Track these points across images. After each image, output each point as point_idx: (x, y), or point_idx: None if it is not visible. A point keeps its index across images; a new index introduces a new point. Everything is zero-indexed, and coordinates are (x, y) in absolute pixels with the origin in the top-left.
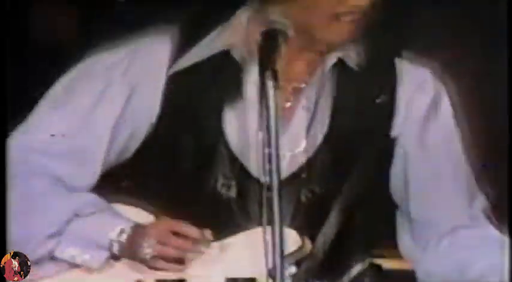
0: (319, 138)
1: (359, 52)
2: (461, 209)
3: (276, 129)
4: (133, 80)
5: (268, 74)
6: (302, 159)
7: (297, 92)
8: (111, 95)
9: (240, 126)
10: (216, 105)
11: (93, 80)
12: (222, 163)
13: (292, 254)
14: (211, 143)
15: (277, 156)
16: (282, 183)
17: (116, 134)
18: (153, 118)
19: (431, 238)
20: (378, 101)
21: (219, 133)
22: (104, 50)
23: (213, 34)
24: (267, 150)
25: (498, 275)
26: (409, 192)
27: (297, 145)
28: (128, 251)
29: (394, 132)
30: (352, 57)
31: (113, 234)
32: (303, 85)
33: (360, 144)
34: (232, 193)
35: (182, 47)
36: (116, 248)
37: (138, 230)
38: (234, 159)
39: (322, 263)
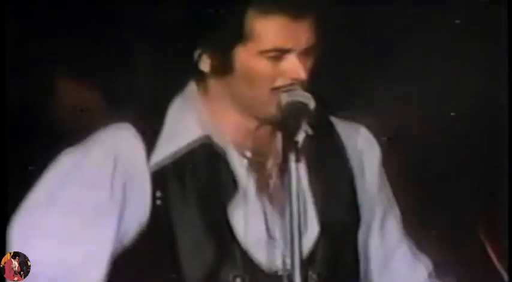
0: (315, 223)
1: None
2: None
3: (298, 209)
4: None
5: (291, 145)
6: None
7: (281, 170)
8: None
9: (244, 218)
10: (216, 200)
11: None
12: (233, 258)
13: None
14: (220, 239)
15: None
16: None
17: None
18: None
19: None
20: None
21: (227, 229)
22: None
23: (171, 119)
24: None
25: None
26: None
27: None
28: None
29: (360, 201)
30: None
31: None
32: (278, 161)
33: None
34: None
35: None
36: None
37: None
38: (243, 253)
39: None
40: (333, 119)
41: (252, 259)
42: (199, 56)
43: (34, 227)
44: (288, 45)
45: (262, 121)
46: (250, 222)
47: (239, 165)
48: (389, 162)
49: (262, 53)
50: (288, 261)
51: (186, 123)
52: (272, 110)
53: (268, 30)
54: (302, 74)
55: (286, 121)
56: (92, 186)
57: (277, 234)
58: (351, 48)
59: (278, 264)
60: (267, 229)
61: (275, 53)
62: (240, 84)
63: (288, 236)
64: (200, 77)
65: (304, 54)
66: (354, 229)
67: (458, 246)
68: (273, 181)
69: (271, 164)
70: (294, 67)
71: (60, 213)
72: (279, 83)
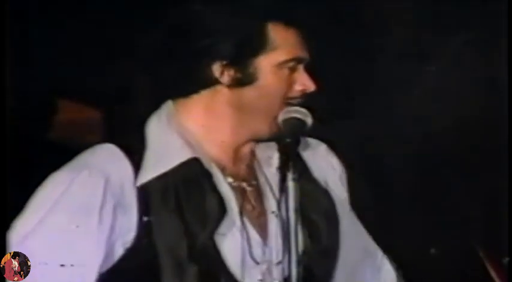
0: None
1: None
2: None
3: (296, 228)
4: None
5: (290, 164)
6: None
7: (258, 192)
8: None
9: (234, 245)
10: (204, 226)
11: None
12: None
13: None
14: (210, 270)
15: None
16: None
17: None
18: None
19: None
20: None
21: (217, 258)
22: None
23: (155, 141)
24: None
25: None
26: None
27: (278, 255)
28: None
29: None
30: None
31: None
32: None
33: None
34: None
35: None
36: None
37: None
38: (227, 273)
39: None
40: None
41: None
42: (222, 67)
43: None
44: (303, 55)
45: (253, 137)
46: (236, 246)
47: (225, 189)
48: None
49: (283, 63)
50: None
51: (172, 144)
52: (275, 127)
53: (289, 41)
54: (312, 86)
55: (283, 139)
56: (82, 211)
57: (259, 258)
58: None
59: None
60: (251, 253)
61: (293, 63)
62: (253, 95)
63: (287, 254)
64: (198, 91)
65: (306, 68)
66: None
67: (457, 264)
68: (252, 205)
69: (250, 188)
70: (305, 79)
71: (48, 238)
72: (290, 94)
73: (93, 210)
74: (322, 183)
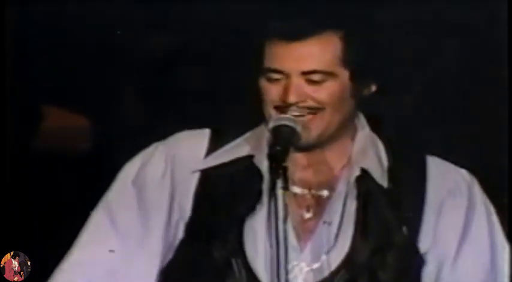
0: (339, 257)
1: (382, 160)
2: None
3: (284, 235)
4: (174, 184)
5: (279, 172)
6: (320, 276)
7: (319, 202)
8: (156, 209)
9: (258, 237)
10: (237, 214)
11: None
12: (239, 277)
13: None
14: (229, 255)
15: (286, 267)
16: None
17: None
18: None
19: None
20: (403, 229)
21: (238, 245)
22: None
23: (245, 135)
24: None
25: None
26: None
27: (315, 260)
28: None
29: (423, 248)
30: (376, 166)
31: None
32: (325, 193)
33: (380, 261)
34: None
35: (216, 146)
36: None
37: None
38: (250, 273)
39: None
40: (431, 161)
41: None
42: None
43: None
44: (277, 67)
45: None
46: (264, 245)
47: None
48: None
49: (263, 72)
50: None
51: (246, 141)
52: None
53: (270, 52)
54: (291, 98)
55: (273, 148)
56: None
57: (291, 261)
58: None
59: None
60: (285, 259)
61: (270, 73)
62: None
63: (275, 265)
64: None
65: (308, 77)
66: (403, 269)
67: None
68: (310, 212)
69: (313, 196)
70: (285, 89)
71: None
72: (276, 104)
73: (157, 187)
74: (432, 217)
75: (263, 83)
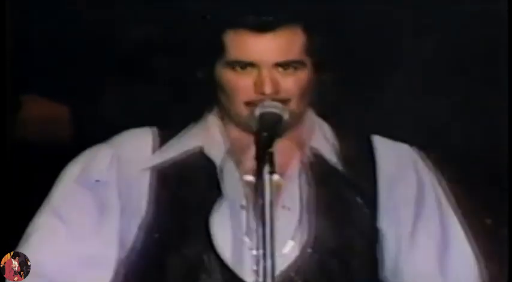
0: (305, 241)
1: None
2: None
3: (271, 220)
4: (122, 183)
5: (266, 157)
6: (289, 260)
7: (275, 188)
8: (109, 205)
9: (226, 230)
10: (200, 208)
11: (87, 194)
12: (212, 269)
13: None
14: (199, 251)
15: (272, 251)
16: None
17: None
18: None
19: None
20: (358, 199)
21: (206, 238)
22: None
23: (188, 128)
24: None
25: None
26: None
27: (282, 245)
28: None
29: (381, 224)
30: (327, 148)
31: None
32: (279, 179)
33: (347, 242)
34: None
35: (161, 142)
36: None
37: None
38: (222, 264)
39: None
40: (376, 140)
41: (230, 270)
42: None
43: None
44: (249, 58)
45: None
46: (231, 234)
47: (230, 180)
48: None
49: (228, 64)
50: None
51: (192, 133)
52: (249, 124)
53: (233, 42)
54: (267, 89)
55: (260, 133)
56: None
57: (255, 246)
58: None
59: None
60: (246, 241)
61: (239, 64)
62: (221, 96)
63: (261, 247)
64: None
65: (279, 68)
66: (363, 248)
67: None
68: (255, 196)
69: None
70: (260, 81)
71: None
72: (249, 97)
73: (103, 186)
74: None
75: (229, 76)
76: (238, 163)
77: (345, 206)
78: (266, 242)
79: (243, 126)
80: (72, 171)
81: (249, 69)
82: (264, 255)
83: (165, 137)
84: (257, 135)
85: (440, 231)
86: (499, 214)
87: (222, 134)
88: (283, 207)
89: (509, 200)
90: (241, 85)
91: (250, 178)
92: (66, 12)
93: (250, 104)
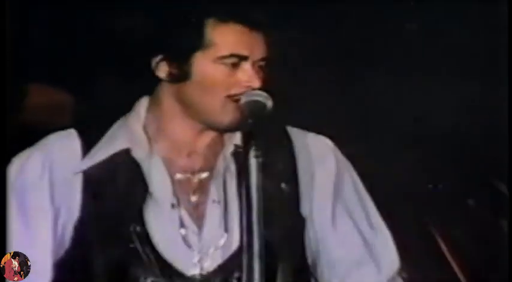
0: (237, 230)
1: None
2: (376, 276)
3: (259, 205)
4: (54, 193)
5: (251, 143)
6: (227, 252)
7: (203, 184)
8: (39, 211)
9: (158, 225)
10: (131, 209)
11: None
12: (150, 264)
13: None
14: (136, 245)
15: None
16: (210, 276)
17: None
18: (75, 225)
19: None
20: (282, 185)
21: (142, 235)
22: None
23: (112, 130)
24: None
25: None
26: (324, 269)
27: (217, 239)
28: None
29: (303, 210)
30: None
31: None
32: (206, 174)
33: (275, 226)
34: None
35: (89, 145)
36: None
37: None
38: (159, 258)
39: None
40: (291, 131)
41: (170, 265)
42: (158, 62)
43: None
44: (245, 52)
45: (209, 127)
46: (167, 234)
47: (159, 180)
48: None
49: (220, 59)
50: (204, 266)
51: (117, 134)
52: (223, 118)
53: (227, 37)
54: (256, 83)
55: (246, 121)
56: (32, 190)
57: (194, 244)
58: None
59: (195, 270)
60: (184, 238)
61: (232, 59)
62: (194, 90)
63: (245, 235)
64: (154, 86)
65: (258, 64)
66: (290, 239)
67: (408, 239)
68: (197, 195)
69: (198, 179)
70: (249, 76)
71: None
72: (234, 91)
73: (42, 190)
74: (304, 172)
75: (216, 70)
76: (169, 162)
77: (268, 196)
78: (254, 231)
79: (212, 121)
80: (9, 177)
81: (239, 63)
82: (252, 244)
83: (90, 138)
84: (243, 122)
85: (359, 215)
86: None
87: (147, 133)
88: (213, 201)
89: (510, 198)
90: (230, 79)
91: (180, 176)
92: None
93: (231, 97)
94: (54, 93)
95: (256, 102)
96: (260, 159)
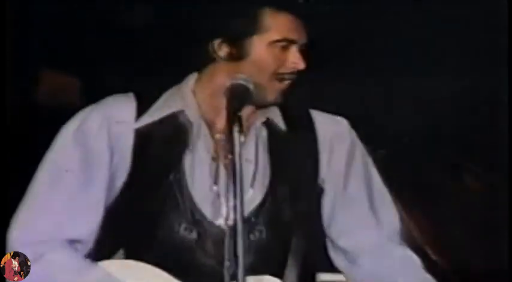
0: (264, 187)
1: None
2: (380, 236)
3: (240, 171)
4: (111, 141)
5: (235, 119)
6: (251, 206)
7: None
8: (97, 160)
9: (196, 177)
10: (175, 161)
11: (80, 149)
12: (184, 211)
13: None
14: (173, 193)
15: (242, 196)
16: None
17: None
18: (127, 172)
19: (357, 257)
20: (303, 158)
21: (181, 185)
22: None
23: (165, 96)
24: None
25: None
26: (336, 228)
27: (245, 193)
28: None
29: (321, 180)
30: (278, 115)
31: None
32: (242, 138)
33: (294, 191)
34: (194, 235)
35: (143, 106)
36: None
37: None
38: (193, 207)
39: None
40: (313, 112)
41: (200, 212)
42: (219, 44)
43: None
44: (294, 37)
45: (251, 102)
46: (202, 181)
47: (204, 138)
48: None
49: (273, 42)
50: (232, 216)
51: (172, 99)
52: (266, 95)
53: (281, 24)
54: (301, 64)
55: (231, 100)
56: (92, 137)
57: (224, 196)
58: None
59: (222, 219)
60: (217, 190)
61: (284, 42)
62: (248, 68)
63: (232, 194)
64: (208, 64)
65: (303, 48)
66: (309, 198)
67: None
68: (226, 152)
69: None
70: (296, 58)
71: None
72: (281, 70)
73: (96, 138)
74: (325, 149)
75: (267, 51)
76: (211, 124)
77: (292, 163)
78: (237, 190)
79: (256, 96)
80: (69, 129)
81: (288, 46)
82: (235, 199)
83: (144, 101)
84: (229, 101)
85: (367, 186)
86: None
87: (196, 100)
88: (246, 160)
89: (509, 195)
90: (280, 60)
91: (220, 136)
92: None
93: (278, 75)
94: (67, 77)
95: (240, 85)
96: (242, 134)
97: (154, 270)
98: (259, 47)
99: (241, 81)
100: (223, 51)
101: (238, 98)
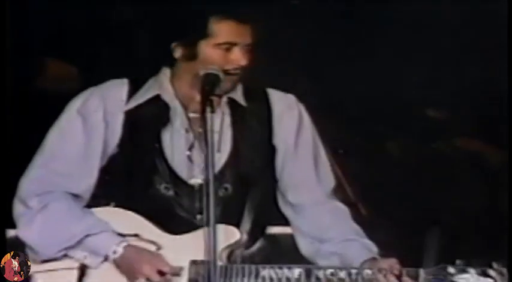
0: (228, 150)
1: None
2: (320, 192)
3: (212, 141)
4: (106, 116)
5: (208, 101)
6: (218, 166)
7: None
8: (95, 130)
9: (174, 146)
10: (156, 133)
11: (80, 122)
12: (164, 173)
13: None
14: (155, 159)
15: (213, 159)
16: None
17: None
18: (117, 142)
19: (301, 209)
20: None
21: (162, 152)
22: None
23: (148, 83)
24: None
25: (346, 235)
26: (284, 182)
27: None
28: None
29: (275, 141)
30: (239, 95)
31: (110, 251)
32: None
33: (252, 152)
34: (171, 193)
35: (134, 90)
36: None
37: (130, 254)
38: (170, 170)
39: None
40: (268, 90)
41: (176, 174)
42: (174, 47)
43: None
44: (236, 40)
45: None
46: (178, 149)
47: (180, 116)
48: None
49: (217, 45)
50: (202, 176)
51: (152, 87)
52: (224, 86)
53: (223, 29)
54: (243, 62)
55: (203, 86)
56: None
57: (196, 160)
58: None
59: (197, 179)
60: (190, 156)
61: (226, 45)
62: (200, 67)
63: (204, 158)
64: (173, 62)
65: (246, 48)
66: (264, 156)
67: None
68: (199, 126)
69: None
70: (238, 57)
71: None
72: (228, 67)
73: (94, 113)
74: (276, 120)
75: (213, 52)
76: (187, 105)
77: (251, 130)
78: (208, 154)
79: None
80: (75, 103)
81: (231, 48)
82: (206, 161)
83: (134, 86)
84: (203, 87)
85: (313, 147)
86: None
87: (173, 87)
88: (213, 131)
89: (509, 195)
90: (225, 59)
91: (194, 115)
92: None
93: (226, 71)
94: (67, 66)
95: (212, 74)
96: (212, 112)
97: (136, 217)
98: (206, 49)
99: (212, 71)
100: (177, 52)
101: (210, 84)
